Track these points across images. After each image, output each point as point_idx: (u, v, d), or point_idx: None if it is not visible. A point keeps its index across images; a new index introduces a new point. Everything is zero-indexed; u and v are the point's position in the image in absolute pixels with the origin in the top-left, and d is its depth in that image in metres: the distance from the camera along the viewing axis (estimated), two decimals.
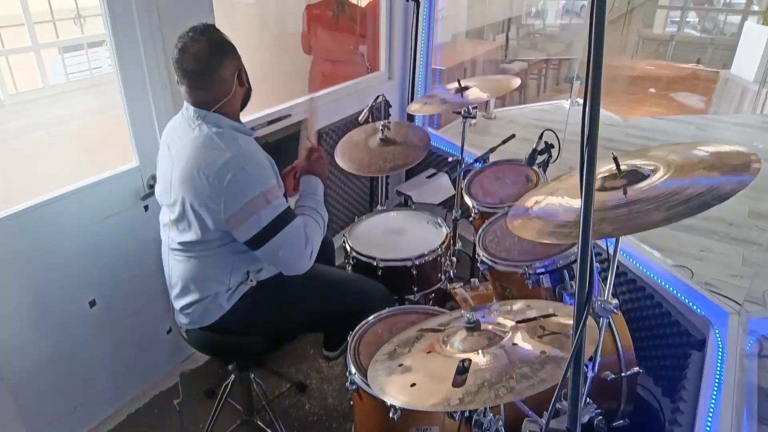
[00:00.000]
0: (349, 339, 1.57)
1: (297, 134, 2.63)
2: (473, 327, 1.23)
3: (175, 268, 1.69)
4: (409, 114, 3.42)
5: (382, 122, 2.42)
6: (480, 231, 1.98)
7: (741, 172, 1.13)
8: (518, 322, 1.24)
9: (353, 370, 1.45)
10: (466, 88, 2.36)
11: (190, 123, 1.57)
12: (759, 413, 1.55)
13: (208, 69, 1.51)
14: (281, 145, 2.49)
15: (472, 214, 2.23)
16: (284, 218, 1.56)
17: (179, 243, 1.64)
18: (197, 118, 1.56)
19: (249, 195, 1.50)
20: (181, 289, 1.68)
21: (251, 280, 1.69)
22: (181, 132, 1.59)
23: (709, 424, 1.50)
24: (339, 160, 2.31)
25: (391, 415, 1.33)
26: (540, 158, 2.15)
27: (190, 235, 1.60)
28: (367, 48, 3.45)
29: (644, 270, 2.10)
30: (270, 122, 2.52)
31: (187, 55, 1.49)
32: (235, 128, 1.60)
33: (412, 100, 3.32)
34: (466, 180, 2.36)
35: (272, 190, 1.55)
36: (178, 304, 1.71)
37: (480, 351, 1.15)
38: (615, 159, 1.30)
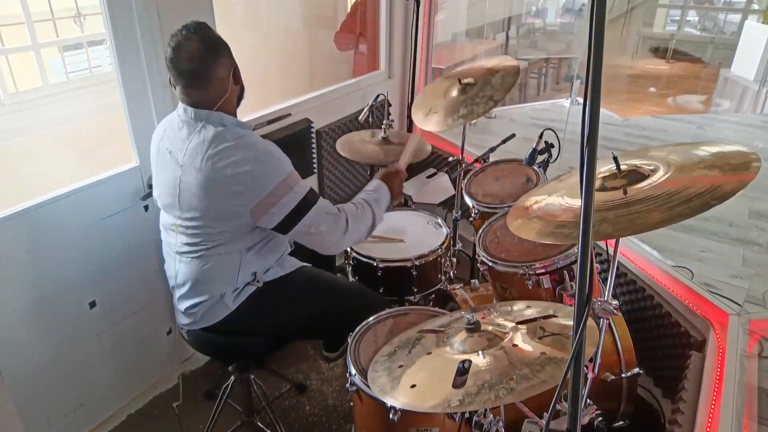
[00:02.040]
0: (349, 340, 1.56)
1: (298, 133, 2.63)
2: (473, 328, 1.23)
3: (182, 269, 1.68)
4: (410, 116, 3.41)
5: (384, 122, 2.43)
6: (480, 231, 1.98)
7: (741, 171, 1.12)
8: (518, 323, 1.24)
9: (353, 371, 1.45)
10: (468, 85, 2.35)
11: (193, 125, 1.55)
12: (759, 414, 1.55)
13: (205, 68, 1.50)
14: (281, 143, 2.48)
15: (472, 215, 2.22)
16: (308, 200, 1.58)
17: (187, 245, 1.63)
18: (199, 119, 1.55)
19: (269, 186, 1.51)
20: (189, 290, 1.68)
21: (258, 281, 1.69)
22: (184, 135, 1.57)
23: (709, 424, 1.49)
24: (339, 149, 2.30)
25: (391, 416, 1.33)
26: (540, 158, 2.15)
27: (200, 237, 1.60)
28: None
29: (644, 271, 2.09)
30: (270, 122, 2.52)
31: (182, 54, 1.47)
32: (238, 125, 1.60)
33: (412, 99, 3.32)
34: (466, 180, 2.36)
35: (291, 175, 1.57)
36: (183, 304, 1.70)
37: (480, 352, 1.15)
38: (615, 159, 1.30)
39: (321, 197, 1.63)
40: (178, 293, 1.71)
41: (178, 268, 1.69)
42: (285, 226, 1.57)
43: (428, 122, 2.16)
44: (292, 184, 1.55)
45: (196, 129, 1.55)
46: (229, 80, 1.56)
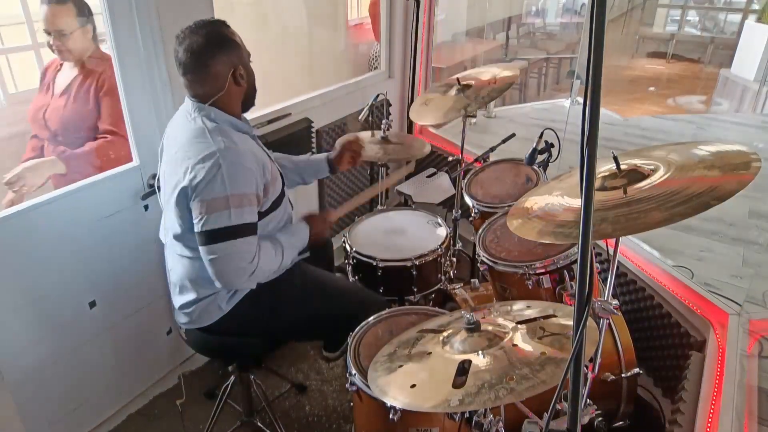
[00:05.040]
0: (349, 340, 1.56)
1: (297, 132, 2.63)
2: (473, 328, 1.22)
3: (175, 266, 1.69)
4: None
5: (384, 121, 2.43)
6: (480, 231, 1.98)
7: (741, 171, 1.12)
8: (518, 322, 1.24)
9: (353, 371, 1.45)
10: (467, 86, 2.35)
11: (187, 115, 1.58)
12: (759, 414, 1.55)
13: (200, 62, 1.51)
14: (281, 143, 2.48)
15: (472, 214, 2.22)
16: (237, 231, 1.49)
17: (175, 238, 1.63)
18: (194, 110, 1.57)
19: (213, 193, 1.46)
20: (180, 287, 1.68)
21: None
22: (178, 124, 1.61)
23: (709, 424, 1.49)
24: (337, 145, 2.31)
25: (391, 416, 1.33)
26: (540, 157, 2.15)
27: (188, 233, 1.59)
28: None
29: (644, 270, 2.09)
30: (270, 121, 2.52)
31: (183, 46, 1.50)
32: (233, 124, 1.59)
33: (412, 98, 3.32)
34: (466, 179, 2.36)
35: (242, 197, 1.49)
36: (177, 302, 1.71)
37: (480, 352, 1.15)
38: (615, 158, 1.30)
39: (252, 236, 1.53)
40: (172, 291, 1.73)
41: (171, 265, 1.71)
42: (203, 239, 1.50)
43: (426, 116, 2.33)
44: (230, 206, 1.47)
45: (188, 119, 1.57)
46: (228, 79, 1.55)
